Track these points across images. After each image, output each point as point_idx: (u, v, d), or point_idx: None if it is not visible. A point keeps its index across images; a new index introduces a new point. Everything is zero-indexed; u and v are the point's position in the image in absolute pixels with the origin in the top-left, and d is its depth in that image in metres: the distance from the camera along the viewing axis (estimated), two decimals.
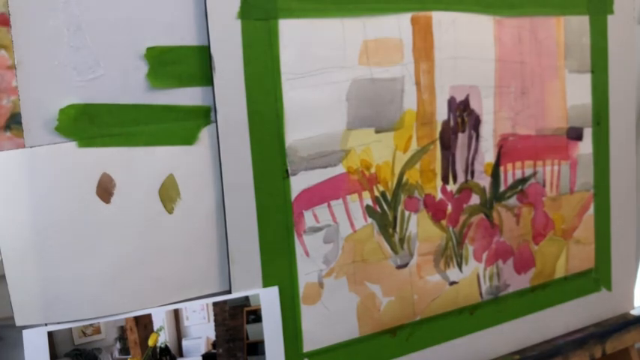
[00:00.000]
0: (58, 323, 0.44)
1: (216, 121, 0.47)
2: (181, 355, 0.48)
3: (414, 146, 0.56)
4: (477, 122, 0.60)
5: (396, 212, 0.56)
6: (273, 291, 0.50)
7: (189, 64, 0.46)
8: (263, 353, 0.50)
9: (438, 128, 0.58)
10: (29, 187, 0.42)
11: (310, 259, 0.52)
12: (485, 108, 0.60)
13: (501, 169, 0.62)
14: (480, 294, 0.62)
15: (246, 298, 0.49)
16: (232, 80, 0.47)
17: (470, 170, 0.60)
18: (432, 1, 0.56)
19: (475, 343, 0.62)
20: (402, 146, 0.56)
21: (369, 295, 0.55)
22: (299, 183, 0.51)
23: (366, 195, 0.54)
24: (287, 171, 0.50)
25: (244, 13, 0.47)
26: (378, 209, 0.55)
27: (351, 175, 0.53)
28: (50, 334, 0.43)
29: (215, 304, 0.48)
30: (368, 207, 0.54)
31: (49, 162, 0.42)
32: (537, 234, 0.66)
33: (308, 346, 0.52)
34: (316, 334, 0.53)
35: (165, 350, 0.47)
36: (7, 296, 0.42)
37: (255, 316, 0.49)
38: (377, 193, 0.55)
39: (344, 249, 0.53)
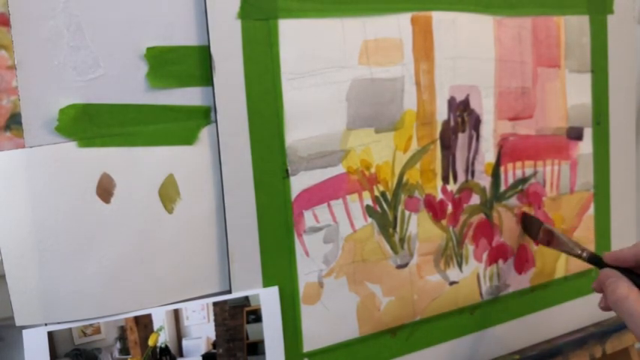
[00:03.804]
0: (58, 323, 0.44)
1: (216, 121, 0.47)
2: (181, 355, 0.48)
3: (414, 146, 0.56)
4: (477, 122, 0.60)
5: (396, 212, 0.56)
6: (273, 291, 0.50)
7: (189, 64, 0.46)
8: (263, 353, 0.50)
9: (438, 128, 0.58)
10: (29, 187, 0.42)
11: (310, 259, 0.52)
12: (486, 108, 0.60)
13: (502, 169, 0.62)
14: (480, 294, 0.62)
15: (246, 298, 0.49)
16: (232, 80, 0.47)
17: (470, 170, 0.60)
18: (432, 1, 0.56)
19: (475, 343, 0.62)
20: (402, 146, 0.56)
21: (369, 295, 0.55)
22: (299, 183, 0.51)
23: (366, 195, 0.54)
24: (287, 171, 0.50)
25: (244, 13, 0.47)
26: (378, 209, 0.55)
27: (351, 175, 0.53)
28: (50, 334, 0.43)
29: (215, 304, 0.48)
30: (368, 207, 0.54)
31: (49, 162, 0.42)
32: None
33: (308, 346, 0.52)
34: (316, 334, 0.53)
35: (165, 350, 0.47)
36: (7, 296, 0.42)
37: (255, 316, 0.49)
38: (377, 193, 0.55)
39: (344, 249, 0.53)
